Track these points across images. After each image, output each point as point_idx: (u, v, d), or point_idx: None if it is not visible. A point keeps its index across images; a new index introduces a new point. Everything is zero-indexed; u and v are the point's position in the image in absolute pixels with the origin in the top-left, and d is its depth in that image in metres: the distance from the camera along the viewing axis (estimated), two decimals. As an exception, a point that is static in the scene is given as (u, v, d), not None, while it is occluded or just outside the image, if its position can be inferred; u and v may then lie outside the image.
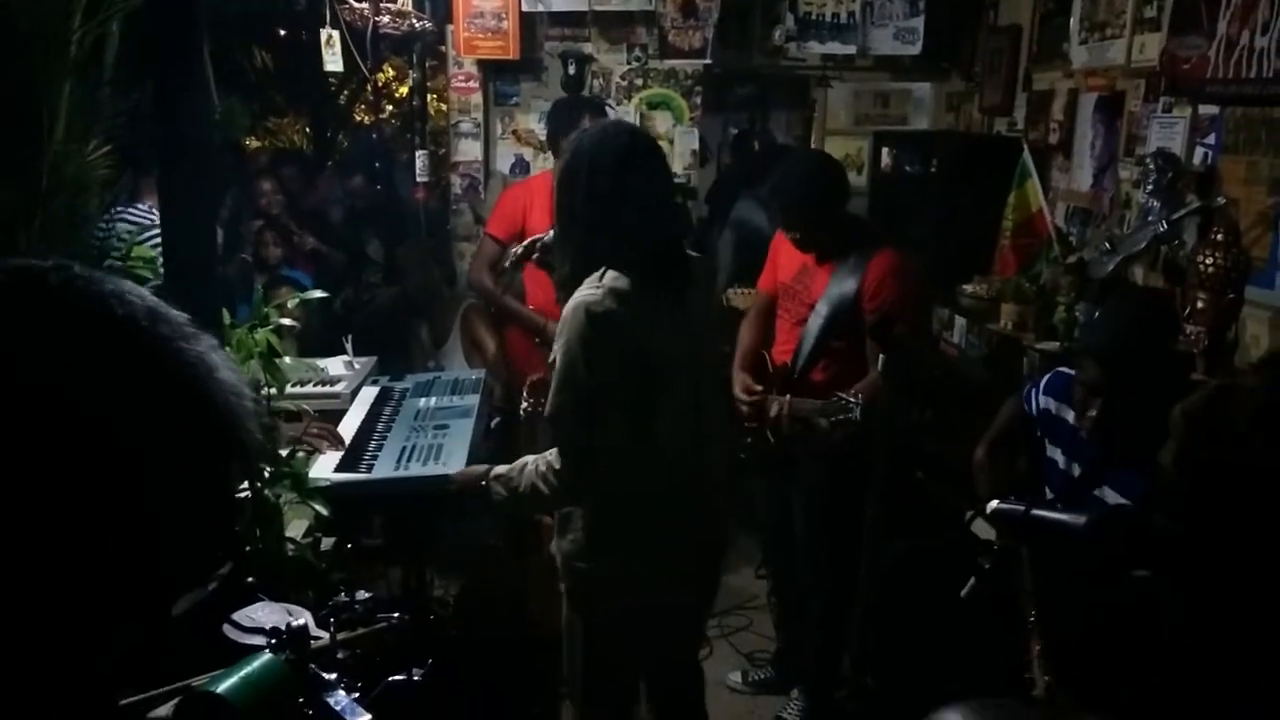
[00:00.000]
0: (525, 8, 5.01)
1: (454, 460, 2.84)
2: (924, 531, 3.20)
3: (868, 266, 3.15)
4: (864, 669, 3.25)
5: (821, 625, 3.40)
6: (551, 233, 2.52)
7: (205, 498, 0.72)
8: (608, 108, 4.62)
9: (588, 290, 2.24)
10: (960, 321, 4.20)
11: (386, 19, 4.58)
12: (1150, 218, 3.37)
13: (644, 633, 2.48)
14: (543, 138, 5.27)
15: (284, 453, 2.72)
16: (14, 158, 3.96)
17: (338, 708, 1.56)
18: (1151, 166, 3.37)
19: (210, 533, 0.74)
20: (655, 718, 2.72)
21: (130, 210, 3.93)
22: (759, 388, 3.34)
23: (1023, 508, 2.19)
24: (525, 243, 2.74)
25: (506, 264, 2.68)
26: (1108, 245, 3.54)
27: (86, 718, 0.71)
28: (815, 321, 3.23)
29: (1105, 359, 2.43)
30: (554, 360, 2.27)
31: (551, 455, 2.31)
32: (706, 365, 2.51)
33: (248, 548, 2.48)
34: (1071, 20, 4.10)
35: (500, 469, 2.44)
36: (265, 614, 1.77)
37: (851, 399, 2.99)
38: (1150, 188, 3.37)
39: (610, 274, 2.25)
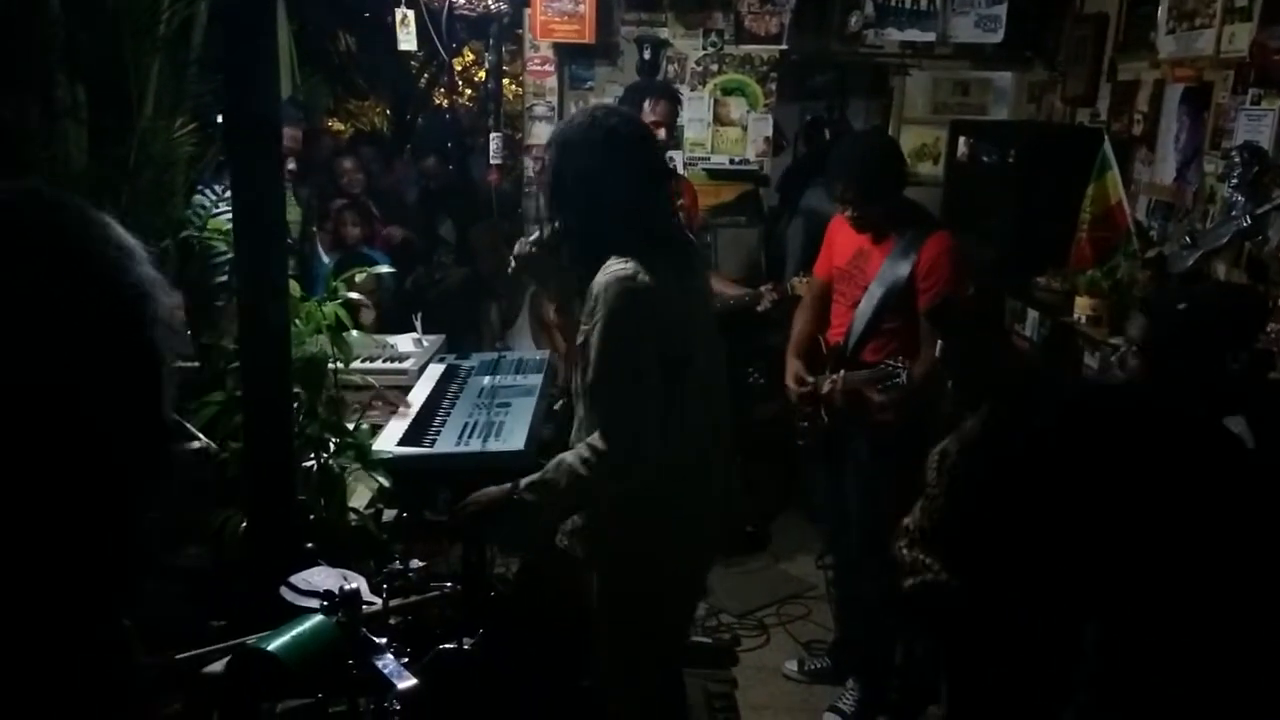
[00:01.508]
0: (602, -8, 5.02)
1: (514, 438, 2.88)
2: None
3: (921, 249, 3.18)
4: (913, 660, 3.23)
5: (871, 613, 3.39)
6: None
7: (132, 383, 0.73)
8: (678, 92, 4.62)
9: (618, 267, 2.20)
10: (1033, 314, 4.13)
11: (462, 0, 4.62)
12: (1234, 212, 3.27)
13: (670, 604, 2.50)
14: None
15: (350, 424, 2.79)
16: (104, 133, 4.10)
17: (385, 670, 1.60)
18: (1237, 160, 3.28)
19: (142, 419, 0.75)
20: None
21: (213, 187, 4.04)
22: (810, 380, 3.37)
23: None
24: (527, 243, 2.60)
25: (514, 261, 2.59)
26: (1189, 239, 3.44)
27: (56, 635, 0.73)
28: (868, 302, 3.25)
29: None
30: (585, 340, 2.24)
31: (593, 439, 2.26)
32: (717, 347, 2.50)
33: (311, 516, 2.55)
34: (1159, 9, 3.99)
35: (529, 477, 2.34)
36: (321, 578, 1.81)
37: (899, 365, 3.05)
38: (1235, 181, 3.28)
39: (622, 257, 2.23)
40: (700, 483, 2.38)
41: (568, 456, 2.29)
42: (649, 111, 3.98)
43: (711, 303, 2.53)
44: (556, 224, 2.35)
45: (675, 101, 4.27)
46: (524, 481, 2.33)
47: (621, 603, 2.47)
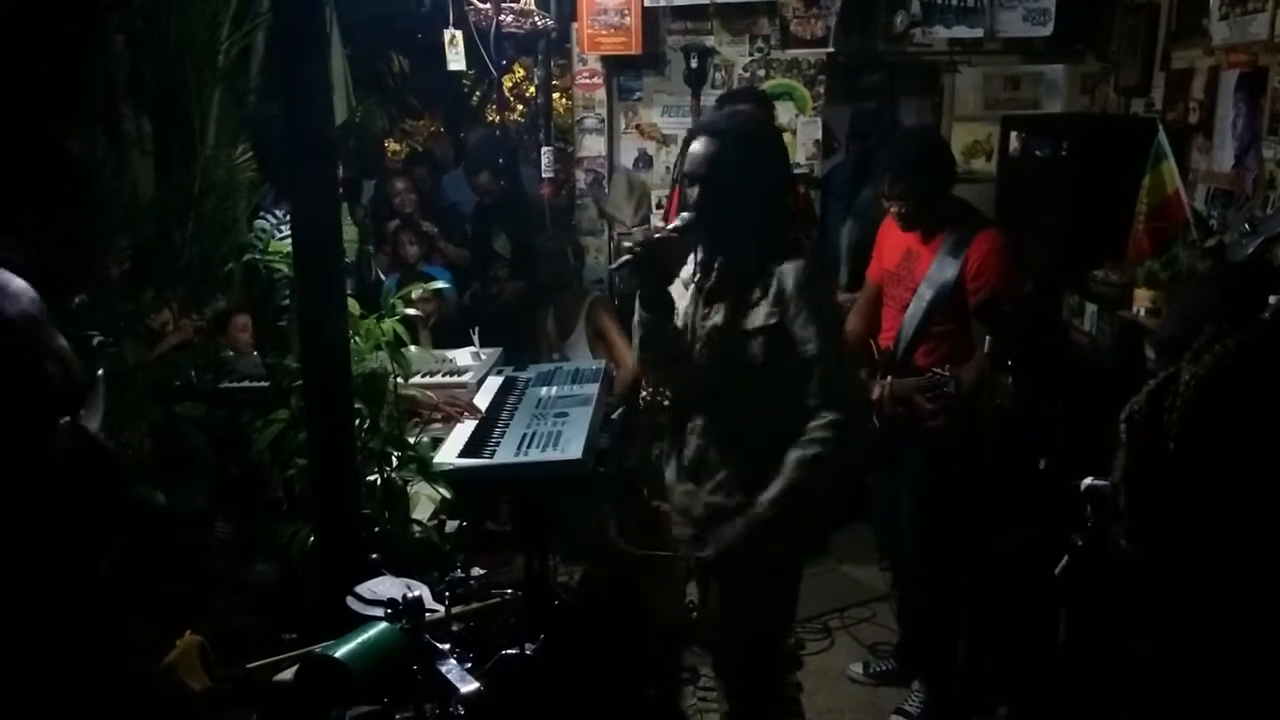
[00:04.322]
0: (647, 2, 5.06)
1: (572, 447, 2.92)
2: (1046, 523, 3.12)
3: (969, 248, 3.15)
4: (975, 661, 3.21)
5: (931, 616, 3.37)
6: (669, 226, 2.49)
7: None
8: (768, 97, 4.71)
9: (800, 259, 2.36)
10: (1091, 308, 4.07)
11: (509, 18, 4.69)
12: (1294, 198, 3.21)
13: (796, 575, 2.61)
14: (665, 132, 5.36)
15: (411, 439, 2.85)
16: (169, 162, 4.23)
17: (448, 675, 1.64)
18: (1296, 144, 3.22)
19: None
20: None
21: (273, 212, 4.15)
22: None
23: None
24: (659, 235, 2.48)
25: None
26: (1248, 226, 3.38)
27: None
28: (918, 305, 3.23)
29: (1157, 347, 2.37)
30: (771, 324, 2.33)
31: (827, 417, 2.30)
32: None
33: (375, 528, 2.61)
34: (1211, -6, 3.92)
35: (766, 498, 2.33)
36: (385, 587, 1.87)
37: (947, 374, 3.03)
38: (1294, 166, 3.22)
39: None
40: None
41: (797, 451, 2.31)
42: None
43: None
44: (722, 214, 2.39)
45: (768, 106, 4.35)
46: (763, 507, 2.33)
47: (767, 586, 2.51)
